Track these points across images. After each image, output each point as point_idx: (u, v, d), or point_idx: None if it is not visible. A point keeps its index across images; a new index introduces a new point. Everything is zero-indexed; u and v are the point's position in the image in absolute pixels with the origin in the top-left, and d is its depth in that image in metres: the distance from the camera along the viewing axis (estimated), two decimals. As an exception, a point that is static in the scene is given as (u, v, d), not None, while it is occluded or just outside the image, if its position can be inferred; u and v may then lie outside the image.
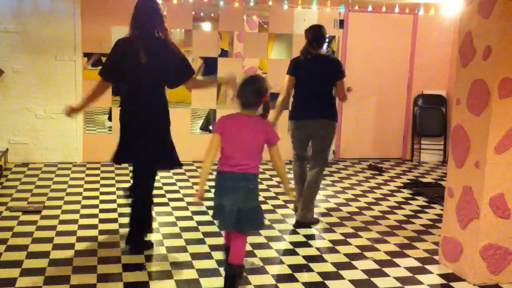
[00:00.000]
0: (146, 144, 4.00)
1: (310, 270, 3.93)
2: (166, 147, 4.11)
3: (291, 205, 5.41)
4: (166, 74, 4.02)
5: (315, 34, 4.96)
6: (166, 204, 5.28)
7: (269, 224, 4.86)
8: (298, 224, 4.91)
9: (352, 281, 3.76)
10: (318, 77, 4.92)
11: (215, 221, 3.83)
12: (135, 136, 4.02)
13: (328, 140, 5.02)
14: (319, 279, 3.78)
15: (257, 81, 3.44)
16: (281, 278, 3.77)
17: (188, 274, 3.76)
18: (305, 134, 5.01)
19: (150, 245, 4.24)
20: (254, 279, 3.72)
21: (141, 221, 4.18)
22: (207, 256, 4.05)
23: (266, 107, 3.46)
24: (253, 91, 3.39)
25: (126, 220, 4.78)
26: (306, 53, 4.96)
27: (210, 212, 4.93)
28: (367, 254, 4.28)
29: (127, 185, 5.18)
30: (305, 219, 4.95)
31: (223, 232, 3.94)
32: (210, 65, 7.76)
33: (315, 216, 5.07)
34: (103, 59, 4.84)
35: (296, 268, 3.96)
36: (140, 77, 3.98)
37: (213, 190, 3.51)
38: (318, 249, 4.36)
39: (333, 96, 5.04)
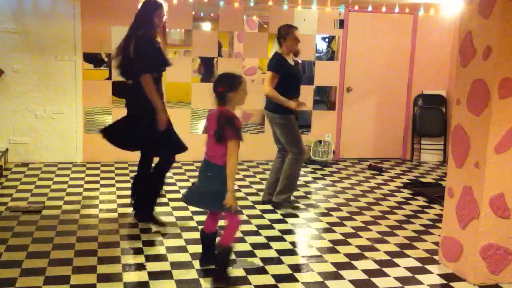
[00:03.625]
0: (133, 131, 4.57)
1: (310, 270, 3.94)
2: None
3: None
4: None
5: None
6: (166, 204, 5.27)
7: (269, 224, 4.87)
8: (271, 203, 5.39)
9: (352, 281, 3.76)
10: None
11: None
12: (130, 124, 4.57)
13: (279, 130, 5.26)
14: (319, 279, 3.78)
15: (219, 76, 3.70)
16: (281, 278, 3.77)
17: (188, 274, 3.76)
18: (270, 125, 5.44)
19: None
20: (254, 279, 3.72)
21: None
22: (207, 256, 4.04)
23: (220, 98, 3.56)
24: (213, 85, 3.61)
25: (126, 220, 4.80)
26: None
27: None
28: (367, 254, 4.28)
29: (126, 185, 5.19)
30: (278, 199, 5.32)
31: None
32: (208, 65, 7.75)
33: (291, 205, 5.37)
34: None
35: (296, 268, 3.97)
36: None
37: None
38: (318, 249, 4.37)
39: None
